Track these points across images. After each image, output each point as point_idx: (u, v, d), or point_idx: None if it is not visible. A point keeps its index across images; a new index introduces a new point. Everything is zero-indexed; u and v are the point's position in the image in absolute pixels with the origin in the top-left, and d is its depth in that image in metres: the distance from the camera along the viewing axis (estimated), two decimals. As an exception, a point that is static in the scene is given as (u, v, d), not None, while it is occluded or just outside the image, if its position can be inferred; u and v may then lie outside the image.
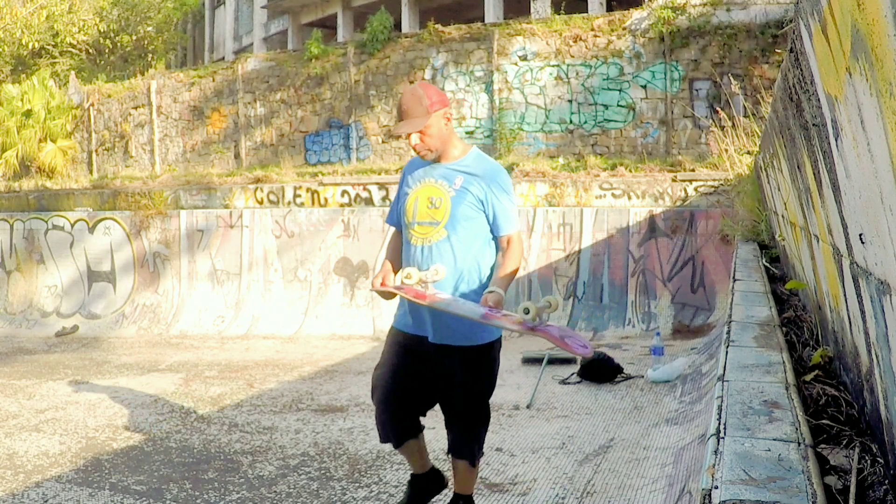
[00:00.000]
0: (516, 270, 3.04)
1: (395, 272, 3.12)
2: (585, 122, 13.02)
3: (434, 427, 5.23)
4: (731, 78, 11.50)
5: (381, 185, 10.72)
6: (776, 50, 11.27)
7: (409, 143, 3.03)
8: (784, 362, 2.87)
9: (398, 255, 3.21)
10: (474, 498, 3.41)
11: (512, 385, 6.42)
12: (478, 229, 3.04)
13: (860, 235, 1.82)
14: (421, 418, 3.29)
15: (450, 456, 3.26)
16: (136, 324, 10.88)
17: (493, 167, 3.09)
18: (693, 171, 9.71)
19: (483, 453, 3.29)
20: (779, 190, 4.59)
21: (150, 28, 24.17)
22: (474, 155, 3.12)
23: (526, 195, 9.94)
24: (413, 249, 3.08)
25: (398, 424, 3.22)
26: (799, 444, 1.96)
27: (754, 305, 4.13)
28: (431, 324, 3.04)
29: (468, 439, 3.19)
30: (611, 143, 12.85)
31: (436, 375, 3.11)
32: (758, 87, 10.81)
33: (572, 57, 13.11)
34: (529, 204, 9.90)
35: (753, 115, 8.90)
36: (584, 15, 13.86)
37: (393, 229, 3.32)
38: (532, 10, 16.20)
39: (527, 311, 2.66)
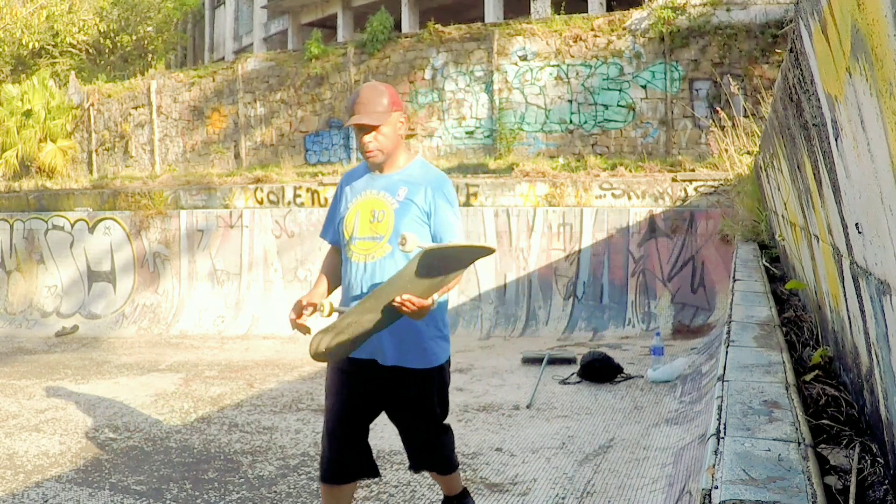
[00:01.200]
0: (452, 286, 2.78)
1: (331, 291, 2.97)
2: (585, 122, 13.02)
3: (434, 427, 5.24)
4: (731, 78, 11.51)
5: (381, 185, 10.70)
6: (776, 50, 11.27)
7: (359, 144, 2.82)
8: (784, 362, 2.87)
9: (334, 272, 2.99)
10: (474, 498, 3.40)
11: (512, 385, 6.42)
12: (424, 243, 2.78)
13: (857, 225, 1.82)
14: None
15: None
16: (136, 324, 10.88)
17: (437, 176, 2.87)
18: (693, 171, 9.71)
19: (455, 458, 3.16)
20: (779, 190, 4.59)
21: (150, 28, 24.17)
22: (419, 163, 2.91)
23: (526, 195, 9.94)
24: (353, 267, 2.84)
25: (350, 462, 2.95)
26: (799, 444, 1.96)
27: (754, 305, 4.13)
28: (386, 346, 2.81)
29: (431, 454, 3.07)
30: (611, 143, 12.85)
31: (387, 401, 2.94)
32: (758, 87, 10.81)
33: (572, 57, 13.11)
34: (529, 204, 9.90)
35: (753, 115, 8.90)
36: (584, 15, 13.87)
37: (330, 246, 3.07)
38: (532, 10, 16.20)
39: (403, 243, 2.55)
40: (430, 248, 2.49)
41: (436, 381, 2.92)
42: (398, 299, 2.51)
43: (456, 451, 3.18)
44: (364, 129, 2.77)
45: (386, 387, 2.89)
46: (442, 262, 2.56)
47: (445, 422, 3.06)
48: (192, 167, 16.12)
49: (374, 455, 3.09)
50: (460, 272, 2.70)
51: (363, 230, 2.82)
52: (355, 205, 2.87)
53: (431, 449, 3.05)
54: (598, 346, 7.78)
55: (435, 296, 2.64)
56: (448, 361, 2.99)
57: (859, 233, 1.80)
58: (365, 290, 2.78)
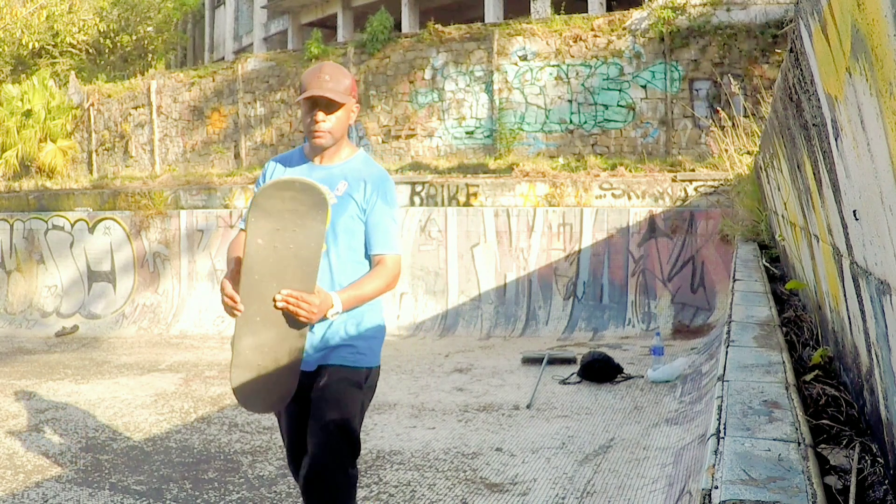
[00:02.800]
0: (372, 296, 2.53)
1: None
2: (585, 122, 13.01)
3: (434, 427, 5.25)
4: (731, 78, 11.50)
5: (381, 185, 10.71)
6: (776, 50, 11.27)
7: (308, 122, 2.55)
8: (784, 362, 2.87)
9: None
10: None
11: (512, 385, 6.42)
12: (362, 245, 2.58)
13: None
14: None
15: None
16: (136, 324, 10.88)
17: (380, 174, 2.63)
18: (693, 171, 9.71)
19: (353, 488, 2.57)
20: (779, 190, 4.59)
21: (150, 28, 24.17)
22: (361, 157, 2.68)
23: (526, 195, 9.94)
24: None
25: None
26: (799, 444, 1.96)
27: (754, 305, 4.12)
28: (309, 350, 2.54)
29: (319, 480, 2.46)
30: (611, 143, 12.85)
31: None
32: (758, 87, 10.80)
33: (572, 57, 13.11)
34: (529, 204, 9.90)
35: (753, 115, 8.89)
36: (584, 15, 13.86)
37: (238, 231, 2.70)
38: (532, 10, 16.19)
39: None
40: (259, 192, 2.35)
41: (361, 384, 2.56)
42: (278, 297, 2.31)
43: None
44: (318, 106, 2.51)
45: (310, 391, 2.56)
46: (283, 213, 2.31)
47: (352, 470, 2.55)
48: (192, 167, 16.11)
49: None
50: (314, 236, 2.36)
51: None
52: None
53: (323, 474, 2.45)
54: (598, 346, 7.78)
55: (337, 299, 2.39)
56: (378, 369, 2.67)
57: (856, 220, 1.80)
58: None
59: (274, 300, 2.32)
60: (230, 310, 2.41)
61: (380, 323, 2.68)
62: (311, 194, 2.33)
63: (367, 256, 2.58)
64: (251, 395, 2.46)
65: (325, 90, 2.48)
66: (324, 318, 2.43)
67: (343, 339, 2.55)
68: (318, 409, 2.48)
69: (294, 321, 2.39)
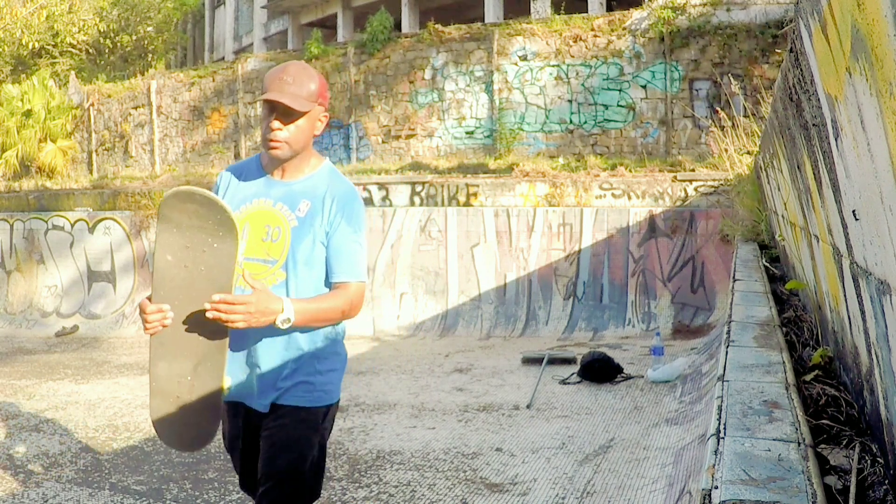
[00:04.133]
0: (328, 317, 2.20)
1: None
2: (585, 122, 13.01)
3: (434, 427, 5.24)
4: (731, 78, 11.50)
5: (381, 185, 10.72)
6: (776, 50, 11.27)
7: (264, 128, 2.23)
8: (784, 362, 2.87)
9: None
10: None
11: (512, 385, 6.42)
12: (325, 275, 2.27)
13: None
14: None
15: None
16: (136, 324, 10.88)
17: (346, 192, 2.29)
18: (693, 171, 9.71)
19: None
20: (779, 190, 4.59)
21: (150, 28, 24.16)
22: (327, 172, 2.32)
23: (526, 195, 9.94)
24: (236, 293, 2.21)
25: None
26: (799, 444, 1.96)
27: (754, 305, 4.12)
28: (257, 383, 2.25)
29: None
30: (611, 143, 12.85)
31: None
32: (758, 87, 10.80)
33: (572, 57, 13.11)
34: (529, 204, 9.90)
35: (753, 115, 8.89)
36: (584, 15, 13.86)
37: None
38: (532, 10, 16.19)
39: None
40: (163, 202, 2.11)
41: (317, 425, 2.28)
42: (207, 305, 2.00)
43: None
44: (277, 112, 2.19)
45: (251, 434, 2.31)
46: (191, 230, 2.08)
47: None
48: (192, 167, 16.11)
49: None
50: (225, 258, 2.10)
51: (253, 249, 2.23)
52: (244, 214, 2.26)
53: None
54: (598, 346, 7.78)
55: (289, 305, 2.08)
56: (337, 405, 2.37)
57: (856, 219, 1.80)
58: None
59: (202, 311, 2.02)
60: (154, 326, 2.11)
61: (339, 353, 2.37)
62: (215, 211, 2.05)
63: (328, 285, 2.25)
64: (168, 427, 2.23)
65: (284, 95, 2.17)
66: (273, 327, 2.11)
67: (297, 376, 2.24)
68: (269, 455, 2.21)
69: (214, 340, 2.13)
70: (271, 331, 2.15)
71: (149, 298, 2.13)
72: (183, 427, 2.22)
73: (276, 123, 2.18)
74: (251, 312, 2.00)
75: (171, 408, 2.19)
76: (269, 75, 2.22)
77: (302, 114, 2.19)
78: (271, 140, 2.20)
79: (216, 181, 2.39)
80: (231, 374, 2.25)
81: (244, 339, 2.22)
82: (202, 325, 2.10)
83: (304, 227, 2.22)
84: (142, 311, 2.12)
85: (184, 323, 2.11)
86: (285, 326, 2.07)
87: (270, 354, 2.23)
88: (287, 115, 2.18)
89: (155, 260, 2.15)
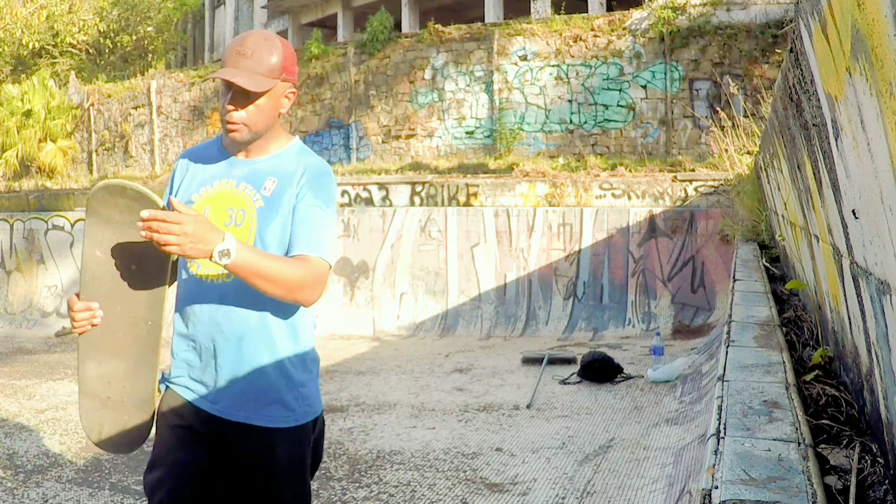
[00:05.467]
0: (280, 278, 1.84)
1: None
2: (585, 122, 13.01)
3: (434, 427, 5.25)
4: (731, 78, 11.50)
5: (381, 185, 10.72)
6: (776, 50, 11.27)
7: (221, 109, 2.00)
8: (784, 362, 2.87)
9: None
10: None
11: (512, 385, 6.42)
12: None
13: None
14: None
15: None
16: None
17: (317, 166, 2.05)
18: (693, 171, 9.72)
19: None
20: (779, 190, 4.59)
21: (150, 28, 24.17)
22: (296, 149, 2.09)
23: (526, 195, 9.95)
24: (195, 286, 2.00)
25: None
26: (799, 444, 1.96)
27: (754, 305, 4.12)
28: (221, 384, 1.98)
29: None
30: (611, 143, 12.85)
31: (215, 472, 1.99)
32: (758, 87, 10.81)
33: (572, 57, 13.11)
34: (529, 204, 9.91)
35: (753, 115, 8.90)
36: (584, 15, 13.86)
37: None
38: (532, 10, 16.19)
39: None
40: (91, 195, 1.96)
41: (296, 449, 2.01)
42: (140, 223, 1.73)
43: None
44: (233, 90, 1.95)
45: (214, 449, 1.99)
46: (122, 225, 1.93)
47: None
48: (192, 167, 16.11)
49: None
50: (159, 258, 1.93)
51: None
52: (204, 197, 2.02)
53: None
54: (598, 346, 7.79)
55: (231, 239, 1.78)
56: (319, 421, 2.09)
57: (856, 218, 1.80)
58: (210, 319, 1.97)
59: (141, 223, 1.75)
60: (82, 325, 1.95)
61: (310, 354, 2.06)
62: (148, 206, 1.87)
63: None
64: (98, 428, 2.08)
65: (239, 73, 1.91)
66: (233, 300, 1.92)
67: (268, 390, 1.97)
68: (268, 487, 1.96)
69: (145, 339, 1.97)
70: (237, 314, 1.94)
71: (77, 295, 1.98)
72: (114, 428, 2.09)
73: (231, 105, 1.95)
74: (187, 233, 1.71)
75: (102, 409, 2.06)
76: (227, 48, 1.97)
77: (261, 94, 1.95)
78: (228, 123, 1.97)
79: (175, 164, 2.16)
80: (179, 365, 2.02)
81: (200, 321, 1.97)
82: (134, 324, 1.98)
83: (271, 207, 1.98)
84: (69, 309, 1.97)
85: (113, 322, 1.98)
86: (223, 262, 1.75)
87: (235, 344, 1.95)
88: (245, 94, 1.94)
89: (83, 256, 1.99)
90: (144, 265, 1.96)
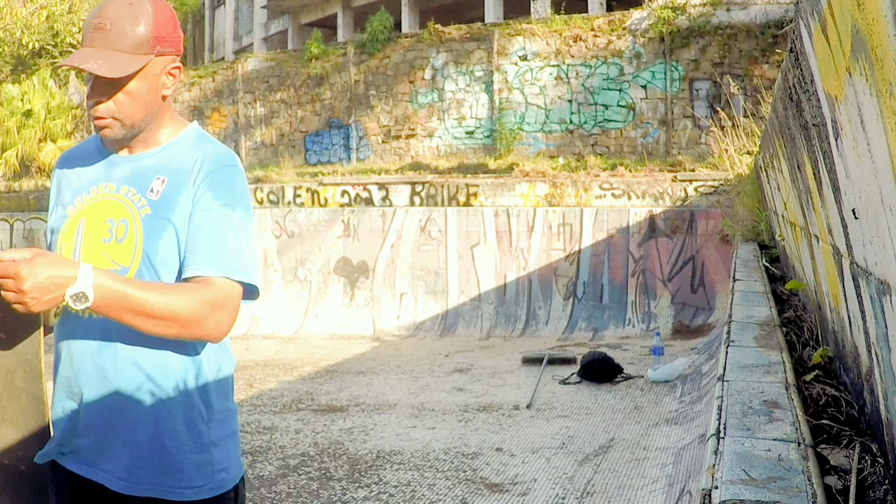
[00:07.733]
0: (156, 316, 1.39)
1: None
2: (585, 122, 13.02)
3: (434, 427, 5.25)
4: (731, 78, 11.51)
5: (381, 185, 10.72)
6: (776, 50, 11.27)
7: (87, 103, 1.53)
8: (784, 362, 2.87)
9: None
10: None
11: (512, 385, 6.42)
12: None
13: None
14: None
15: None
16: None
17: (217, 156, 1.57)
18: (693, 171, 9.72)
19: None
20: (779, 190, 4.59)
21: (150, 28, 24.17)
22: (192, 136, 1.61)
23: (526, 195, 9.95)
24: (70, 322, 1.52)
25: None
26: (799, 444, 1.96)
27: (754, 305, 4.12)
28: (120, 455, 1.51)
29: None
30: (611, 143, 12.85)
31: None
32: (758, 87, 10.81)
33: (572, 57, 13.11)
34: (529, 204, 9.91)
35: (753, 115, 8.90)
36: (584, 15, 13.86)
37: None
38: (532, 10, 16.19)
39: None
40: None
41: None
42: None
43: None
44: (94, 78, 1.48)
45: None
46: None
47: None
48: (192, 167, 16.12)
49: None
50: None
51: (92, 256, 1.50)
52: (79, 209, 1.57)
53: None
54: (598, 346, 7.79)
55: (87, 273, 1.33)
56: (243, 480, 1.72)
57: (856, 218, 1.81)
58: (94, 366, 1.50)
59: None
60: None
61: (227, 402, 1.63)
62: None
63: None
64: None
65: (96, 55, 1.45)
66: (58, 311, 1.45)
67: (174, 452, 1.53)
68: None
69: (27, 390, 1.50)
70: (127, 357, 1.49)
71: None
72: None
73: (94, 96, 1.50)
74: (23, 290, 1.28)
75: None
76: (86, 20, 1.51)
77: (128, 77, 1.48)
78: (95, 118, 1.51)
79: (53, 172, 1.71)
80: (61, 424, 1.54)
81: (81, 369, 1.51)
82: (17, 395, 1.52)
83: (160, 215, 1.51)
84: None
85: None
86: (80, 307, 1.32)
87: (129, 395, 1.50)
88: (109, 81, 1.47)
89: None
90: (8, 328, 1.48)
